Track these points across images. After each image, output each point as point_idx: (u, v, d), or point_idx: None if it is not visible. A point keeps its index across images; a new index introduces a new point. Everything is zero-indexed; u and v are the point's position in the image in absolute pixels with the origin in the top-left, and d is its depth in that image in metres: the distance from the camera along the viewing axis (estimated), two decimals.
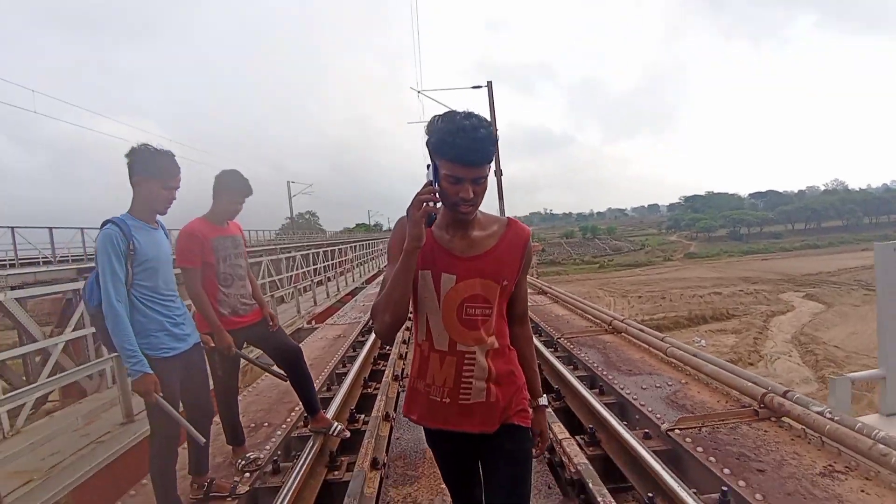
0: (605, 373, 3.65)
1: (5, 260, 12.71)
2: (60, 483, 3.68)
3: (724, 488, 1.98)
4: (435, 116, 1.16)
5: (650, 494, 1.95)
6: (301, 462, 2.47)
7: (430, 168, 1.13)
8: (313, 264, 21.78)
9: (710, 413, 2.68)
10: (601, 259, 71.80)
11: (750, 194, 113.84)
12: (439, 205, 1.13)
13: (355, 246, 29.92)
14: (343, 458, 2.74)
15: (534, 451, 1.37)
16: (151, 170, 1.97)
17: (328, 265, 22.84)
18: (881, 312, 2.95)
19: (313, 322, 11.06)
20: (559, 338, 4.74)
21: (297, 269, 19.61)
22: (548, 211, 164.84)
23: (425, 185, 1.11)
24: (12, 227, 12.14)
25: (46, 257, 13.91)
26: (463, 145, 1.08)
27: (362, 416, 3.27)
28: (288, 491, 2.19)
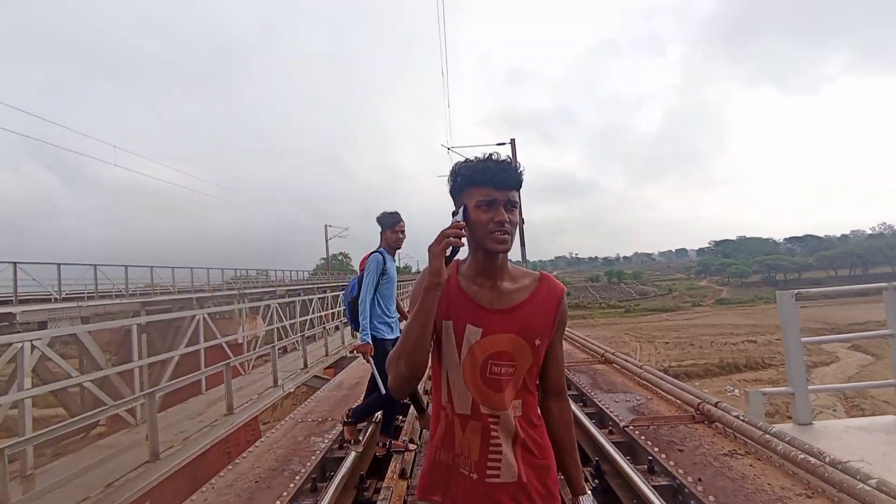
0: (590, 391, 4.38)
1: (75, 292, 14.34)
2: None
3: (650, 458, 2.72)
4: (456, 163, 1.17)
5: (596, 459, 2.71)
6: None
7: (459, 211, 1.14)
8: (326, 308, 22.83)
9: (658, 416, 3.39)
10: (627, 304, 70.50)
11: (786, 239, 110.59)
12: (463, 240, 1.10)
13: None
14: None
15: None
16: (386, 223, 3.28)
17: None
18: (785, 339, 3.65)
19: (354, 352, 12.04)
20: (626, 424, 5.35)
21: (339, 307, 20.75)
22: (573, 255, 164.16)
23: (452, 223, 1.11)
24: (95, 265, 13.65)
25: (110, 291, 15.57)
26: (494, 168, 1.10)
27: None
28: None
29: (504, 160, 1.13)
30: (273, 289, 26.85)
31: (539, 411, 1.20)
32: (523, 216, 17.27)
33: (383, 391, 3.22)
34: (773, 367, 35.48)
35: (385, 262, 3.30)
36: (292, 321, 17.56)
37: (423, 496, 1.18)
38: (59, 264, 12.69)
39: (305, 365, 9.78)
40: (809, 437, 3.03)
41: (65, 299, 12.65)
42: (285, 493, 2.83)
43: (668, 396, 3.81)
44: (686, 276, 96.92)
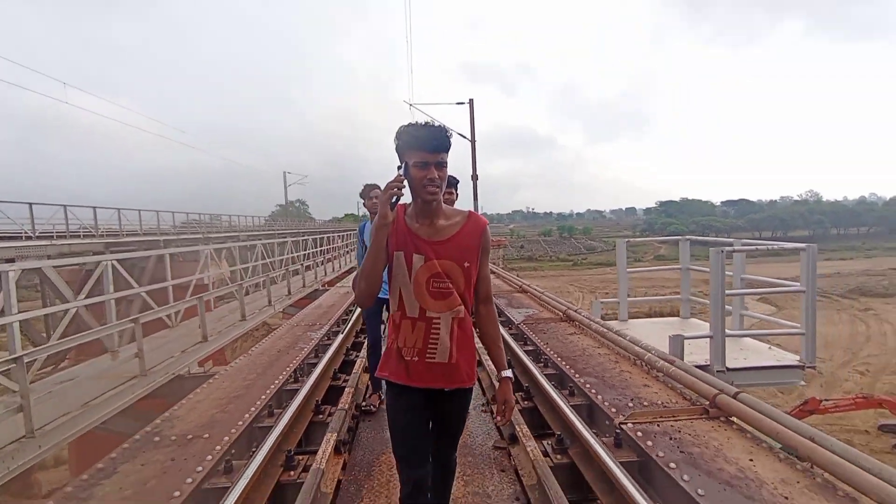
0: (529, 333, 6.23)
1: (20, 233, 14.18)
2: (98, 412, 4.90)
3: (534, 343, 4.59)
4: (400, 127, 1.48)
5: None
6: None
7: (401, 167, 1.46)
8: (304, 249, 23.88)
9: (540, 319, 5.28)
10: (575, 257, 75.29)
11: (722, 202, 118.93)
12: (405, 191, 1.43)
13: (343, 235, 32.07)
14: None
15: (499, 417, 1.66)
16: (363, 195, 3.60)
17: (319, 251, 24.93)
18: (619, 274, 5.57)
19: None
20: (520, 322, 6.06)
21: (289, 254, 21.75)
22: (530, 209, 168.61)
23: (395, 177, 1.44)
24: (65, 206, 13.85)
25: (77, 231, 15.85)
26: (427, 135, 1.42)
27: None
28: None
29: (436, 128, 1.44)
30: (235, 234, 27.27)
31: (469, 315, 1.58)
32: (477, 173, 18.81)
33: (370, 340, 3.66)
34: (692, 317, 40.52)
35: (363, 232, 3.66)
36: (253, 263, 18.47)
37: (378, 374, 1.64)
38: (30, 204, 12.99)
39: (289, 292, 11.31)
40: (624, 327, 5.07)
41: (38, 237, 13.11)
42: (298, 357, 4.51)
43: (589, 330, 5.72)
44: (632, 234, 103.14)
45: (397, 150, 1.49)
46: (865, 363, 27.61)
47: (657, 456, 2.32)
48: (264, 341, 5.35)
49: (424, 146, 1.43)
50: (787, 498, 1.93)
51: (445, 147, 1.46)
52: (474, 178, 18.75)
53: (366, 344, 4.11)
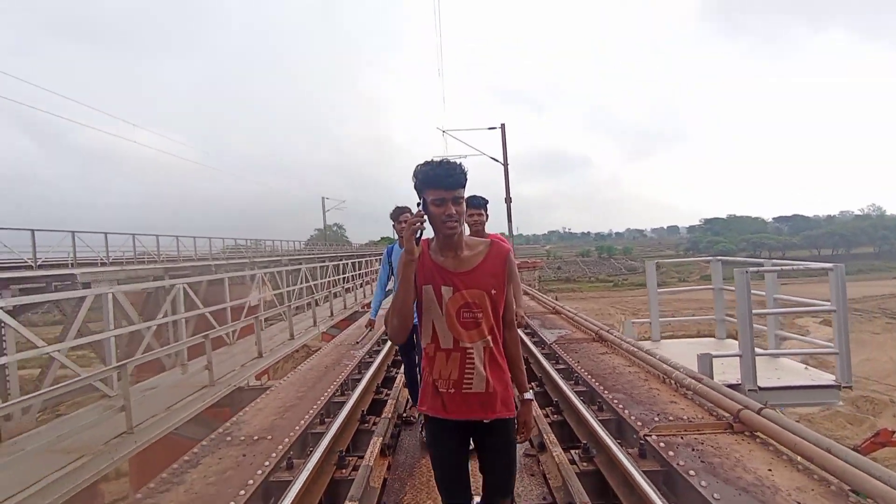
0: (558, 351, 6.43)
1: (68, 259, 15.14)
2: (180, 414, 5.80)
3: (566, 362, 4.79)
4: (417, 165, 1.56)
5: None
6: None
7: (419, 203, 1.54)
8: (343, 273, 24.76)
9: (572, 338, 5.46)
10: (615, 278, 73.10)
11: (774, 218, 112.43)
12: (426, 226, 1.52)
13: (380, 258, 32.61)
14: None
15: (518, 437, 1.67)
16: (393, 217, 3.40)
17: (358, 274, 25.77)
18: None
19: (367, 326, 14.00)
20: (552, 342, 6.02)
21: (330, 277, 22.60)
22: (566, 230, 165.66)
23: (416, 214, 1.51)
24: (133, 234, 15.30)
25: (142, 257, 17.41)
26: (443, 174, 1.50)
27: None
28: None
29: (451, 165, 1.51)
30: (278, 258, 28.72)
31: (501, 342, 1.60)
32: (511, 195, 19.12)
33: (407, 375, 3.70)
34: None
35: (391, 253, 3.55)
36: (298, 286, 19.41)
37: (418, 408, 1.71)
38: (105, 233, 14.53)
39: (332, 314, 11.92)
40: (656, 347, 5.15)
41: (112, 263, 14.55)
42: (344, 373, 4.90)
43: (587, 331, 5.86)
44: (676, 253, 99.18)
45: (415, 187, 1.56)
46: None
47: (678, 464, 2.49)
48: (312, 358, 5.81)
49: (441, 184, 1.49)
50: (799, 503, 2.06)
51: (461, 183, 1.52)
52: (508, 200, 19.05)
53: (402, 369, 4.19)
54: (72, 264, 13.26)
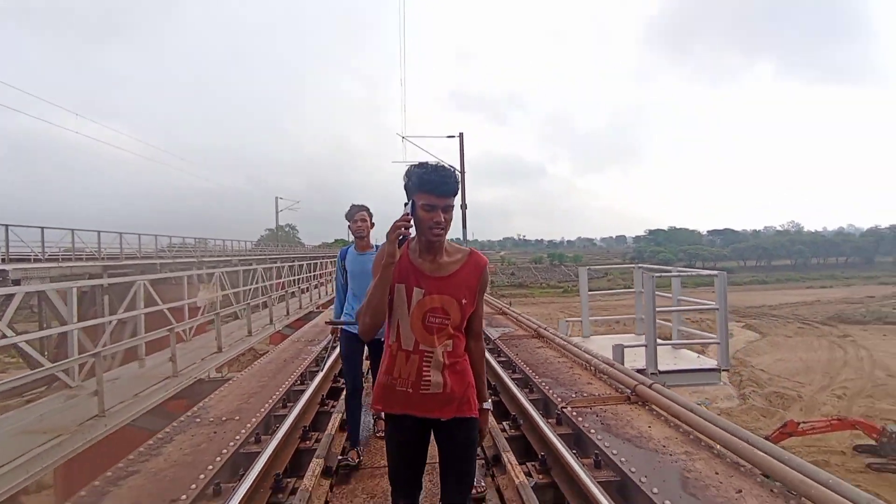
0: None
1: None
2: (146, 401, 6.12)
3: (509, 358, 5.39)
4: (412, 165, 1.58)
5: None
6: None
7: (409, 204, 1.52)
8: (298, 274, 24.48)
9: (514, 335, 6.10)
10: (566, 284, 76.41)
11: (708, 231, 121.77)
12: (412, 231, 1.51)
13: (335, 260, 32.26)
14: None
15: None
16: (348, 217, 3.19)
17: (313, 275, 25.50)
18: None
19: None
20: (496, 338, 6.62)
21: (285, 277, 22.28)
22: (521, 237, 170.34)
23: (403, 216, 1.49)
24: (73, 230, 14.38)
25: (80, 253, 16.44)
26: (437, 181, 1.49)
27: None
28: None
29: (446, 173, 1.52)
30: (228, 258, 27.85)
31: (463, 348, 1.63)
32: (466, 202, 19.88)
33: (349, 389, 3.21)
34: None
35: (345, 258, 3.28)
36: (246, 287, 18.98)
37: (373, 406, 1.67)
38: (42, 228, 13.69)
39: (288, 312, 11.98)
40: (586, 342, 5.90)
41: (47, 259, 13.74)
42: (302, 365, 5.25)
43: (528, 329, 6.54)
44: (622, 261, 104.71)
45: (405, 188, 1.56)
46: (843, 387, 28.24)
47: (584, 427, 3.13)
48: (270, 353, 6.10)
49: (433, 190, 1.50)
50: (664, 446, 2.74)
51: (454, 192, 1.54)
52: (463, 207, 19.82)
53: (343, 393, 3.55)
54: (3, 259, 12.42)
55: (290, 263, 25.35)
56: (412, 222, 1.52)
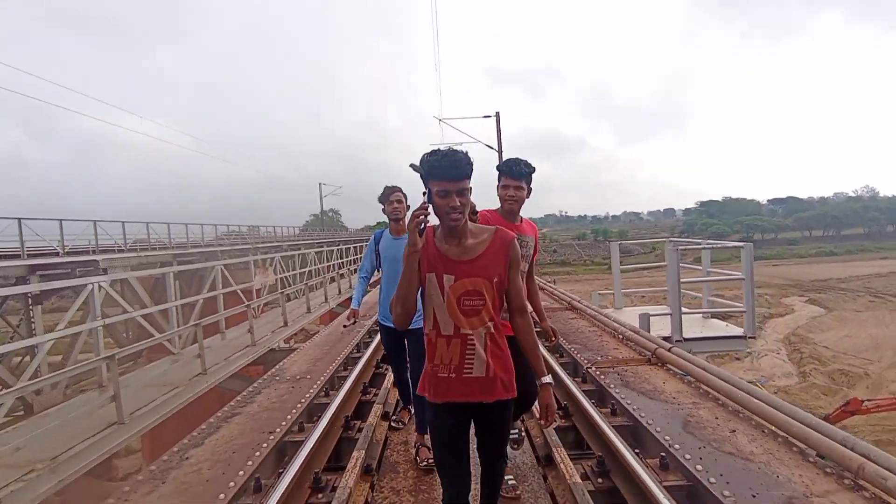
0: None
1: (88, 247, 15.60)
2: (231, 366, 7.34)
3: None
4: (424, 154, 1.57)
5: None
6: None
7: (426, 193, 1.55)
8: (346, 256, 25.72)
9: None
10: (610, 261, 74.47)
11: (769, 200, 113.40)
12: (431, 218, 1.53)
13: None
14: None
15: (543, 422, 1.72)
16: (382, 200, 3.01)
17: (360, 257, 26.66)
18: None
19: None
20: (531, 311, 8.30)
21: (336, 259, 23.53)
22: (563, 213, 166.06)
23: (421, 204, 1.53)
24: (147, 223, 15.99)
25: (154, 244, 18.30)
26: (447, 166, 1.50)
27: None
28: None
29: (457, 157, 1.53)
30: (279, 244, 29.64)
31: (501, 328, 1.64)
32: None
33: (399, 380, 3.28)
34: (732, 317, 39.30)
35: (378, 241, 3.10)
36: (302, 270, 20.35)
37: (419, 392, 1.73)
38: (123, 222, 15.44)
39: (339, 292, 12.95)
40: (617, 313, 6.20)
41: (129, 250, 15.49)
42: (357, 338, 5.93)
43: (562, 301, 6.90)
44: (671, 235, 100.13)
45: (421, 178, 1.58)
46: None
47: (605, 383, 3.54)
48: (329, 326, 6.87)
49: (446, 175, 1.51)
50: (674, 398, 3.12)
51: (467, 174, 1.54)
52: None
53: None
54: (93, 251, 14.20)
55: (337, 247, 26.76)
56: (430, 210, 1.56)
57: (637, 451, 2.52)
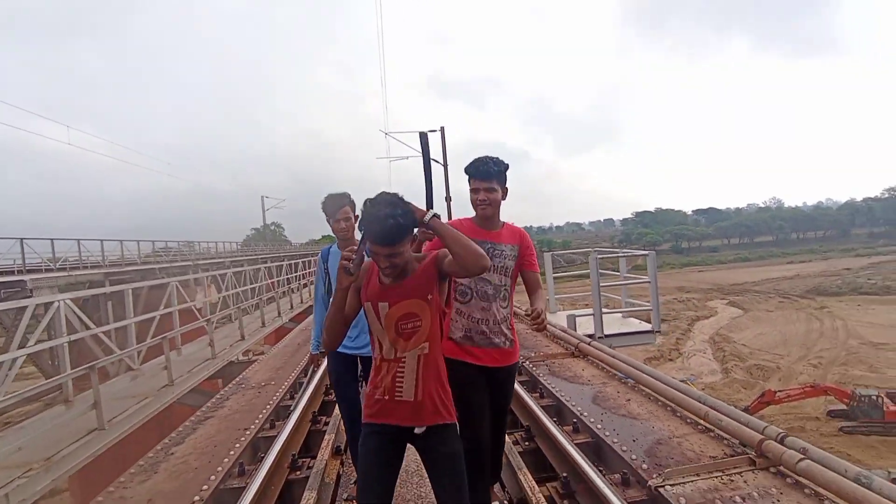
0: None
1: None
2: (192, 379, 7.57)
3: None
4: (366, 200, 1.57)
5: None
6: None
7: (361, 242, 1.60)
8: (296, 272, 25.14)
9: None
10: (565, 272, 78.01)
11: (693, 211, 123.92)
12: (363, 261, 1.61)
13: None
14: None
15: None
16: (327, 212, 2.53)
17: (305, 273, 26.14)
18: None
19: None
20: None
21: (284, 275, 22.99)
22: (510, 224, 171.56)
23: (350, 249, 1.59)
24: (101, 240, 15.12)
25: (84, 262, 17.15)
26: (378, 231, 1.49)
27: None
28: None
29: (386, 224, 1.48)
30: (220, 260, 28.47)
31: (439, 346, 1.63)
32: (450, 194, 20.83)
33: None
34: (665, 321, 41.94)
35: (327, 259, 2.66)
36: (244, 288, 19.62)
37: (363, 419, 1.66)
38: (52, 239, 14.49)
39: (279, 314, 12.99)
40: (551, 316, 6.99)
41: (58, 269, 14.54)
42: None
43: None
44: (610, 245, 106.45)
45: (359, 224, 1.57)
46: (818, 357, 29.70)
47: (536, 374, 4.22)
48: (283, 340, 7.16)
49: (376, 239, 1.51)
50: (589, 381, 3.86)
51: (395, 240, 1.50)
52: (448, 199, 20.74)
53: (341, 421, 2.94)
54: (19, 271, 13.21)
55: (280, 263, 25.95)
56: (364, 256, 1.60)
57: (556, 420, 3.19)
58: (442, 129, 21.78)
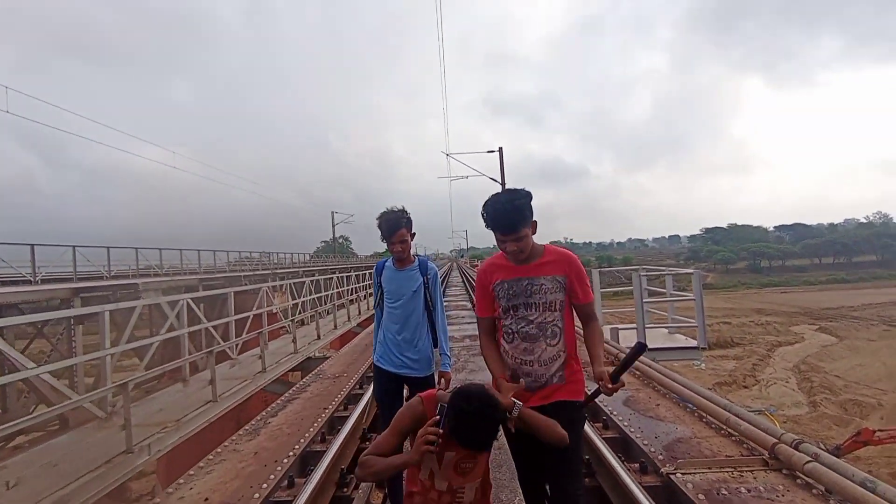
0: None
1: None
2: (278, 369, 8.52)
3: None
4: (455, 394, 1.50)
5: None
6: None
7: (441, 414, 1.49)
8: (364, 281, 26.73)
9: None
10: (615, 288, 74.95)
11: (775, 227, 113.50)
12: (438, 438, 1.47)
13: None
14: None
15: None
16: (383, 233, 2.56)
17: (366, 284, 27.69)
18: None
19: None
20: None
21: (355, 283, 24.49)
22: (568, 240, 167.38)
23: (430, 424, 1.49)
24: (180, 250, 17.48)
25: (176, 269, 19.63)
26: (470, 437, 1.48)
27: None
28: None
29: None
30: (295, 270, 30.96)
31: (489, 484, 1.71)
32: None
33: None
34: (740, 345, 38.90)
35: (381, 273, 2.71)
36: (315, 296, 21.27)
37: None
38: (160, 249, 16.91)
39: (360, 312, 14.11)
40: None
41: (162, 275, 16.86)
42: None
43: None
44: (676, 263, 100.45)
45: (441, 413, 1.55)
46: None
47: None
48: (353, 341, 8.02)
49: (469, 445, 1.51)
50: (624, 387, 4.17)
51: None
52: None
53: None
54: (132, 275, 15.59)
55: (347, 273, 27.83)
56: (441, 432, 1.50)
57: (588, 417, 3.57)
58: (500, 150, 22.47)
